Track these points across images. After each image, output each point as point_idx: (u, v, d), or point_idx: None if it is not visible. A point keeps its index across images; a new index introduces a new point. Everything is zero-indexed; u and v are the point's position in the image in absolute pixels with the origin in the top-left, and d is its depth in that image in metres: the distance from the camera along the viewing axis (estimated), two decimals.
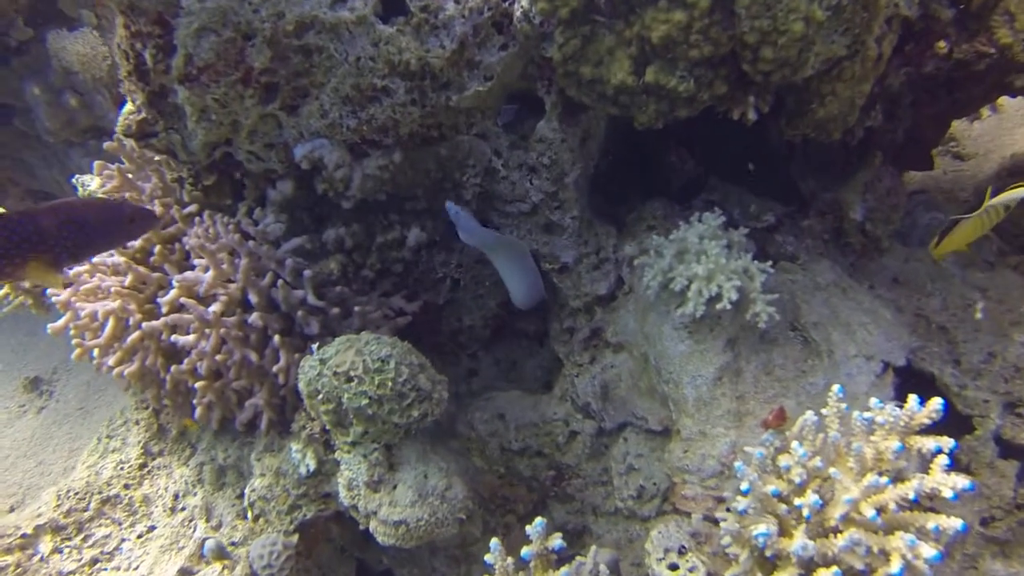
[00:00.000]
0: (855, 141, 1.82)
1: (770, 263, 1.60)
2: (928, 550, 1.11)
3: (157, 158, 1.83)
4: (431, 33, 1.48)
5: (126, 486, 2.02)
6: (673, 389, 1.65)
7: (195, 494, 1.95)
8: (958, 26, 1.68)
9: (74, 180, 2.08)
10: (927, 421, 1.24)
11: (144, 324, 1.66)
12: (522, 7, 1.46)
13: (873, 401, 1.29)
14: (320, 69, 1.48)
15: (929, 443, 1.22)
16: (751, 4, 1.29)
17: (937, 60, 1.74)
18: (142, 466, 2.04)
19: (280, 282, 1.64)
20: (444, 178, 1.68)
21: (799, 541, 1.18)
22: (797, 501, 1.21)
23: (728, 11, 1.31)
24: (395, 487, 1.55)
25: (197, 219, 1.71)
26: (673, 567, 1.44)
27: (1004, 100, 2.59)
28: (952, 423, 1.70)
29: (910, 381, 1.67)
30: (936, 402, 1.24)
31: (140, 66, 1.50)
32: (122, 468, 2.04)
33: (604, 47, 1.44)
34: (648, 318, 1.71)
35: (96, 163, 1.81)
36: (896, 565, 1.13)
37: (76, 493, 2.00)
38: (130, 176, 1.81)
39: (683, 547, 1.46)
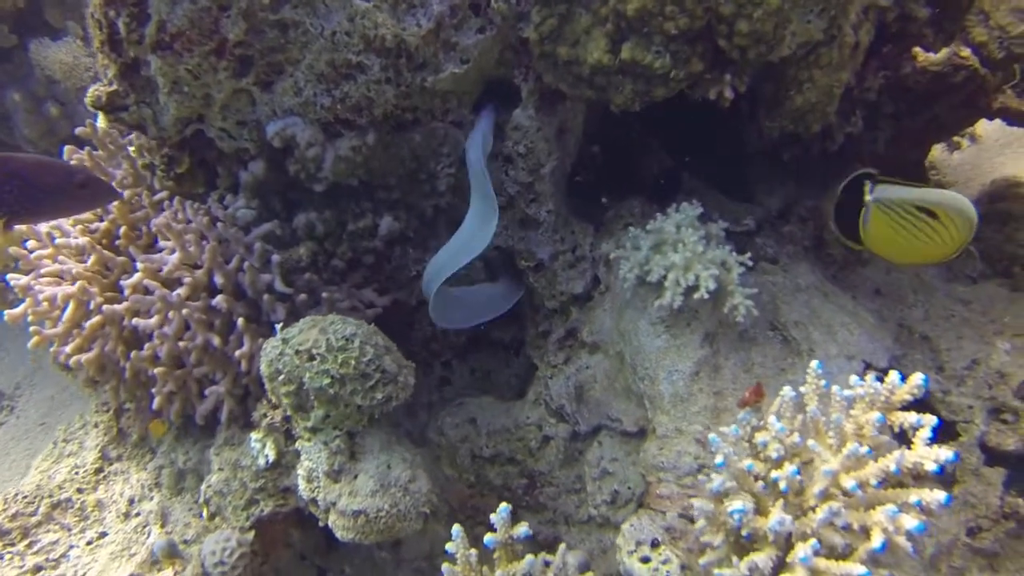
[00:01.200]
0: (835, 147, 1.81)
1: (747, 256, 1.57)
2: (910, 521, 1.05)
3: (131, 149, 1.80)
4: (408, 11, 1.48)
5: (79, 490, 1.93)
6: (649, 385, 1.60)
7: (151, 499, 1.87)
8: (934, 27, 1.69)
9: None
10: (909, 397, 1.20)
11: (105, 307, 1.61)
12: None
13: (853, 378, 1.24)
14: (295, 45, 1.47)
15: (911, 418, 1.17)
16: None
17: (914, 67, 1.75)
18: (98, 470, 1.96)
19: (247, 265, 1.59)
20: (418, 168, 1.66)
21: (776, 516, 1.12)
22: (774, 474, 1.15)
23: None
24: (356, 477, 1.47)
25: (166, 203, 1.68)
26: (645, 560, 1.36)
27: (983, 130, 2.62)
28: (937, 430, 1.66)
29: None
30: (917, 376, 1.20)
31: (113, 36, 1.48)
32: (76, 472, 1.95)
33: (581, 26, 1.44)
34: (624, 315, 1.67)
35: (66, 147, 1.78)
36: (877, 540, 1.07)
37: (25, 497, 1.91)
38: (101, 163, 1.78)
39: (656, 540, 1.39)
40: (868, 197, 1.54)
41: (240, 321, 1.58)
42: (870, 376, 1.24)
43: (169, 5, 1.41)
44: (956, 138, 2.66)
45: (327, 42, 1.46)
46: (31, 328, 1.69)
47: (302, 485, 1.52)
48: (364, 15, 1.44)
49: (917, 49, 1.76)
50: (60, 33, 2.55)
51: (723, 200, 1.88)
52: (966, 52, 1.69)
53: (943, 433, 1.67)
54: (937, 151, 2.63)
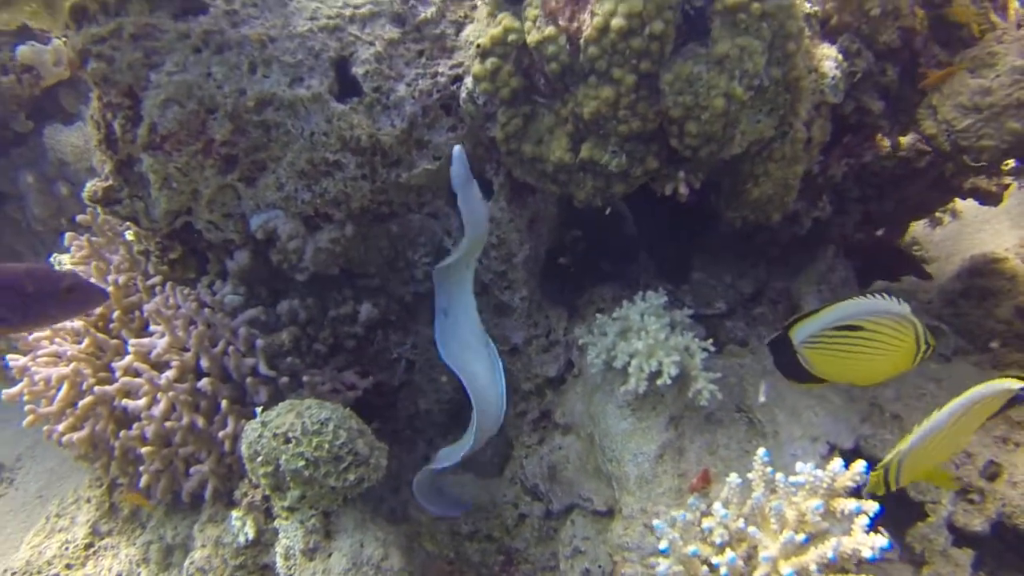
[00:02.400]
0: (803, 231, 1.88)
1: (710, 341, 1.62)
2: None
3: (128, 235, 1.90)
4: (383, 112, 1.58)
5: (68, 566, 1.97)
6: (616, 467, 1.64)
7: (139, 574, 1.91)
8: (890, 119, 1.77)
9: (52, 259, 2.15)
10: (850, 484, 1.24)
11: (96, 388, 1.68)
12: (467, 88, 1.56)
13: (799, 465, 1.28)
14: (277, 144, 1.57)
15: (850, 505, 1.21)
16: (674, 80, 1.38)
17: (876, 154, 1.82)
18: (88, 546, 2.00)
19: (232, 350, 1.67)
20: (396, 256, 1.74)
21: None
22: (715, 560, 1.19)
23: (654, 88, 1.40)
24: (330, 555, 1.52)
25: (159, 288, 1.76)
26: None
27: (963, 205, 2.68)
28: (905, 510, 1.69)
29: None
30: (859, 464, 1.24)
31: (110, 136, 1.59)
32: (67, 548, 2.00)
33: (544, 126, 1.53)
34: (594, 398, 1.73)
35: (67, 234, 1.88)
36: None
37: (13, 574, 1.96)
38: (99, 248, 1.87)
39: None
40: (795, 343, 1.36)
41: (224, 403, 1.65)
42: (835, 459, 1.27)
43: (160, 109, 1.51)
44: (938, 213, 2.73)
45: (306, 142, 1.55)
46: (27, 407, 1.77)
47: (279, 562, 1.57)
48: (341, 117, 1.55)
49: (880, 136, 1.83)
50: (73, 118, 2.69)
51: (697, 284, 1.94)
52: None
53: (911, 513, 1.70)
54: (919, 227, 2.69)
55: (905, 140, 1.93)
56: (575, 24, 1.38)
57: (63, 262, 2.12)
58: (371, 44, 1.59)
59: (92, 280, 1.52)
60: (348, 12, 1.61)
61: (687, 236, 1.98)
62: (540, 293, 1.83)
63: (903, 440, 1.25)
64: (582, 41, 1.37)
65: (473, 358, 1.69)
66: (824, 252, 1.98)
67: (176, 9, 1.54)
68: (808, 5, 1.60)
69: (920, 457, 1.24)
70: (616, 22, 1.32)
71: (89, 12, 1.50)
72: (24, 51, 2.57)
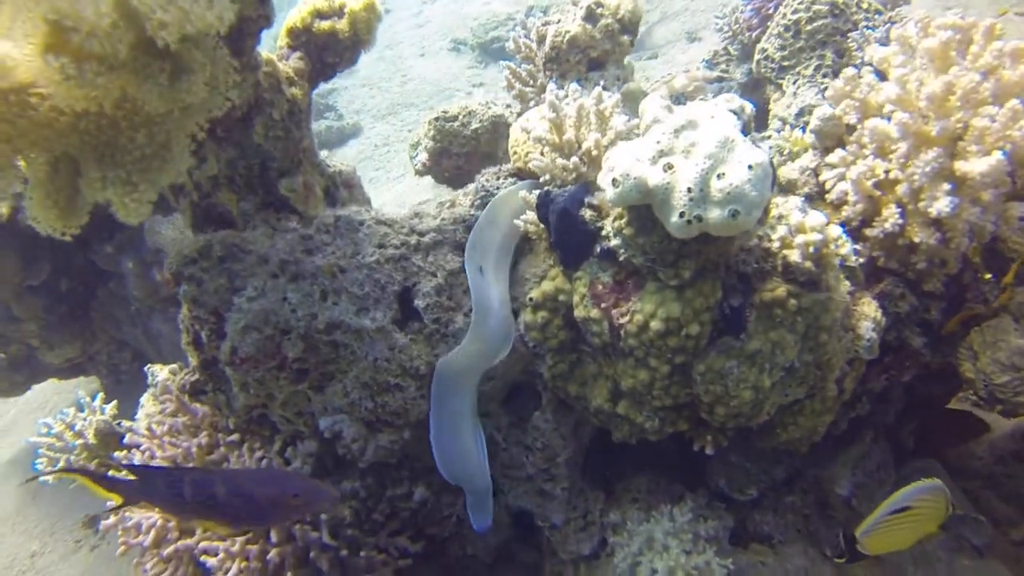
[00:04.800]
0: (839, 432, 1.95)
1: (730, 561, 1.74)
2: None
3: None
4: (441, 340, 1.72)
5: None
6: None
7: None
8: (930, 348, 1.82)
9: (146, 369, 2.38)
10: None
11: (179, 542, 1.91)
12: (519, 328, 1.68)
13: None
14: (344, 360, 1.72)
15: None
16: (706, 371, 1.47)
17: (916, 374, 1.88)
18: None
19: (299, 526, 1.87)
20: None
21: None
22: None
23: (688, 374, 1.50)
24: None
25: (236, 453, 1.97)
26: None
27: None
28: None
29: None
30: None
31: (197, 340, 1.78)
32: None
33: (588, 372, 1.65)
34: None
35: (151, 392, 2.09)
36: None
37: None
38: (185, 402, 2.08)
39: None
40: (859, 543, 1.65)
41: (289, 574, 1.86)
42: None
43: (240, 334, 1.68)
44: None
45: (370, 365, 1.71)
46: (120, 540, 2.02)
47: None
48: (402, 349, 1.69)
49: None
50: (172, 211, 2.90)
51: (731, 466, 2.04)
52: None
53: None
54: None
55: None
56: (617, 313, 1.48)
57: (155, 373, 2.35)
58: (433, 275, 1.73)
59: (315, 485, 1.64)
60: (413, 240, 1.74)
61: None
62: (582, 479, 1.97)
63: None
64: (622, 331, 1.47)
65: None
66: (862, 436, 2.05)
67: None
68: (854, 257, 1.65)
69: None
70: (655, 324, 1.42)
71: None
72: None
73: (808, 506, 2.02)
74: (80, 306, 3.09)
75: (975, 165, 1.50)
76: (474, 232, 1.71)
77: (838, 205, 1.76)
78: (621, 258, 1.46)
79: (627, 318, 1.46)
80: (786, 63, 2.77)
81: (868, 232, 1.70)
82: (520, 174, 1.80)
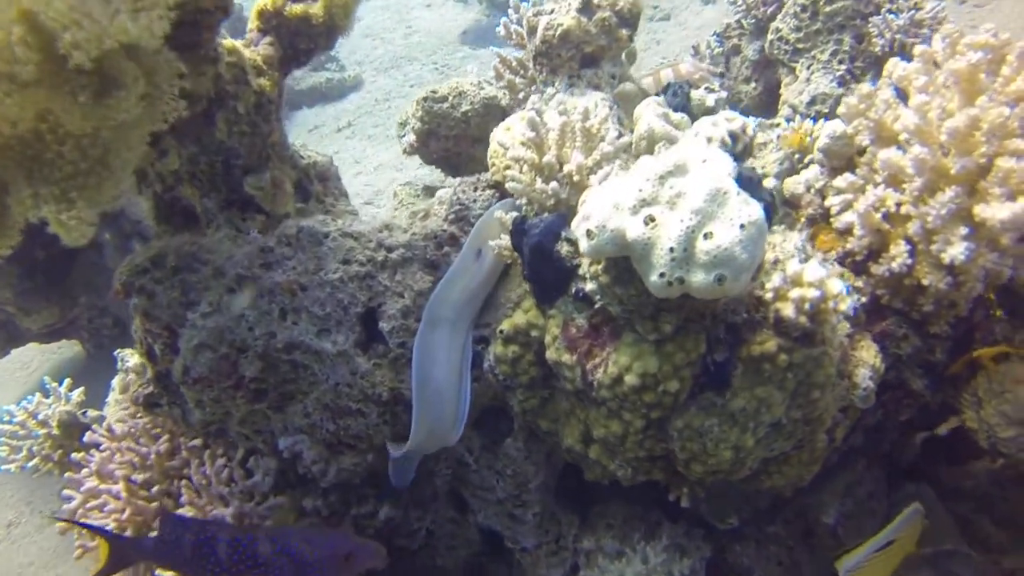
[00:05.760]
0: (830, 463, 1.85)
1: None
2: None
3: None
4: (407, 365, 1.60)
5: None
6: None
7: None
8: (932, 388, 1.70)
9: (116, 354, 2.29)
10: None
11: None
12: (489, 362, 1.57)
13: None
14: (305, 381, 1.62)
15: None
16: (684, 428, 1.36)
17: (913, 414, 1.76)
18: None
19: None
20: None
21: None
22: None
23: (664, 428, 1.39)
24: None
25: (197, 460, 1.88)
26: None
27: None
28: None
29: None
30: None
31: (150, 352, 1.67)
32: None
33: (561, 409, 1.54)
34: None
35: (120, 378, 2.00)
36: None
37: None
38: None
39: None
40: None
41: None
42: None
43: (193, 353, 1.58)
44: None
45: (331, 389, 1.60)
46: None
47: None
48: (364, 375, 1.58)
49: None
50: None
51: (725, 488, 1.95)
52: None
53: None
54: None
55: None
56: (590, 361, 1.36)
57: (126, 358, 2.26)
58: (400, 296, 1.60)
59: (365, 544, 1.56)
60: (380, 256, 1.62)
61: None
62: (554, 502, 1.88)
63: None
64: (594, 381, 1.35)
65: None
66: (853, 464, 1.95)
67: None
68: (852, 298, 1.52)
69: None
70: (630, 379, 1.30)
71: None
72: None
73: (792, 536, 1.93)
74: (58, 273, 2.99)
75: (996, 211, 1.35)
76: (441, 285, 1.57)
77: (843, 232, 1.62)
78: (596, 305, 1.33)
79: (601, 369, 1.34)
80: (801, 46, 2.59)
81: (873, 269, 1.56)
82: (500, 187, 1.66)
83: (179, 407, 1.73)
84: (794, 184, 1.77)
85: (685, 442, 1.36)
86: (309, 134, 4.51)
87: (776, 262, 1.35)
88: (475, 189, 1.67)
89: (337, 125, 4.51)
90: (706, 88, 2.27)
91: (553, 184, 1.41)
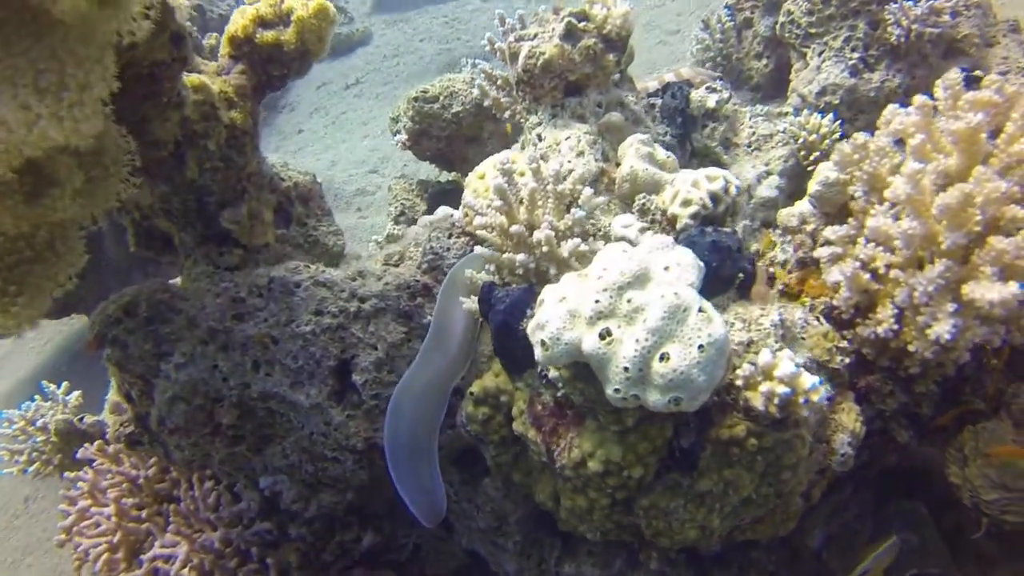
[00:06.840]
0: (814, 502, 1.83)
1: None
2: None
3: None
4: (381, 415, 1.59)
5: None
6: None
7: None
8: (916, 435, 1.66)
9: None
10: None
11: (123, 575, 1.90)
12: (461, 418, 1.55)
13: None
14: (281, 427, 1.62)
15: None
16: (649, 507, 1.35)
17: (899, 458, 1.73)
18: None
19: (245, 569, 1.83)
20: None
21: None
22: None
23: (630, 506, 1.37)
24: None
25: (184, 485, 1.91)
26: None
27: None
28: None
29: None
30: None
31: (128, 396, 1.68)
32: None
33: (533, 464, 1.53)
34: None
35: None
36: None
37: None
38: None
39: None
40: None
41: None
42: None
43: (168, 405, 1.58)
44: None
45: (306, 438, 1.60)
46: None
47: None
48: (338, 427, 1.58)
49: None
50: None
51: None
52: None
53: None
54: None
55: None
56: (555, 441, 1.34)
57: None
58: (373, 348, 1.58)
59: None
60: (353, 307, 1.59)
61: None
62: (536, 528, 1.89)
63: None
64: (559, 462, 1.34)
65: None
66: (840, 488, 1.93)
67: None
68: (824, 389, 1.45)
69: None
70: (593, 465, 1.29)
71: None
72: None
73: (774, 562, 1.93)
74: None
75: (986, 292, 1.28)
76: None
77: (830, 285, 1.56)
78: (559, 393, 1.30)
79: (566, 453, 1.32)
80: (813, 30, 2.45)
81: (859, 329, 1.50)
82: (474, 235, 1.61)
83: (161, 446, 1.74)
84: (788, 217, 1.69)
85: (651, 520, 1.35)
86: (316, 91, 4.40)
87: (750, 344, 1.31)
88: (449, 236, 1.62)
89: (345, 82, 4.39)
90: (707, 88, 2.16)
91: (521, 256, 1.36)
